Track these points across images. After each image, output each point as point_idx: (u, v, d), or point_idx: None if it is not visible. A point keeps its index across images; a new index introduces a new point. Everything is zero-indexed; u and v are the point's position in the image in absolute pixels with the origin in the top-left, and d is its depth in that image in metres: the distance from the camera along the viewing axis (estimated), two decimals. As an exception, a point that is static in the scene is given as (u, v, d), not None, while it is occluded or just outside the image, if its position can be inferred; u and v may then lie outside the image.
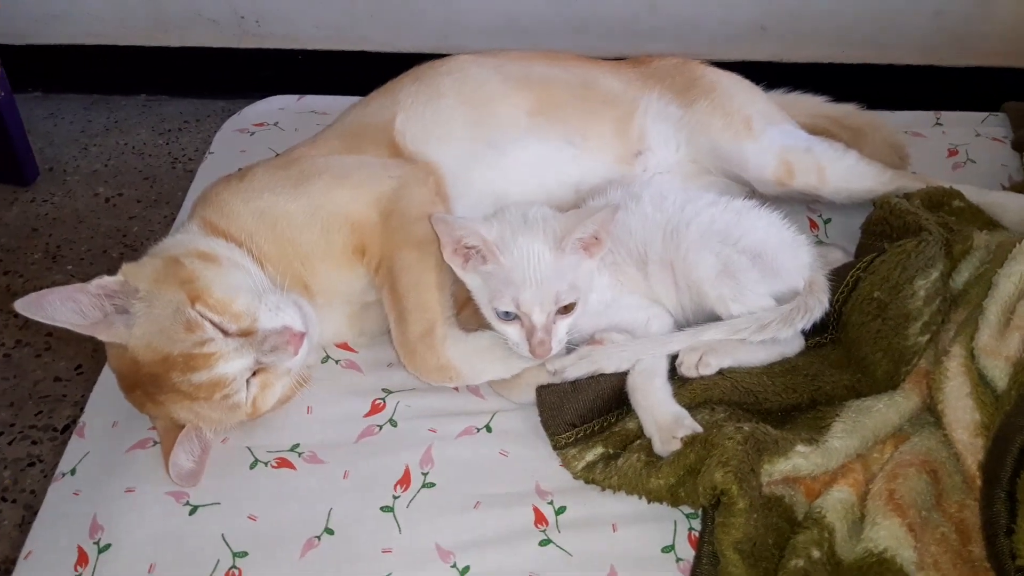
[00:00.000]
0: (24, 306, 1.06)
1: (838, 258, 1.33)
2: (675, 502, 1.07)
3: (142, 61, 2.81)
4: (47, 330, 2.17)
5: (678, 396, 1.14)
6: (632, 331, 1.22)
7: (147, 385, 1.12)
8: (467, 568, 1.05)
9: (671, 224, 1.23)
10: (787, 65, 2.61)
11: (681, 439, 1.08)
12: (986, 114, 1.70)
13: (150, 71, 2.85)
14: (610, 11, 2.56)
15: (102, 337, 1.12)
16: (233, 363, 1.10)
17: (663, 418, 1.11)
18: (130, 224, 2.48)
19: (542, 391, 1.18)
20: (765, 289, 1.18)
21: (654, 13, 2.55)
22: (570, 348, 1.21)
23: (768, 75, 1.59)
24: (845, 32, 2.55)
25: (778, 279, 1.20)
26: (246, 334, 1.12)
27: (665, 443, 1.09)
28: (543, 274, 1.15)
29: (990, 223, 1.34)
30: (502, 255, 1.15)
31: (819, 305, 1.17)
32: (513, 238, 1.17)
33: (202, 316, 1.10)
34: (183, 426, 1.13)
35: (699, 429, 1.09)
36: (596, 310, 1.22)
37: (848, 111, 1.59)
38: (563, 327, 1.17)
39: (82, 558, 1.08)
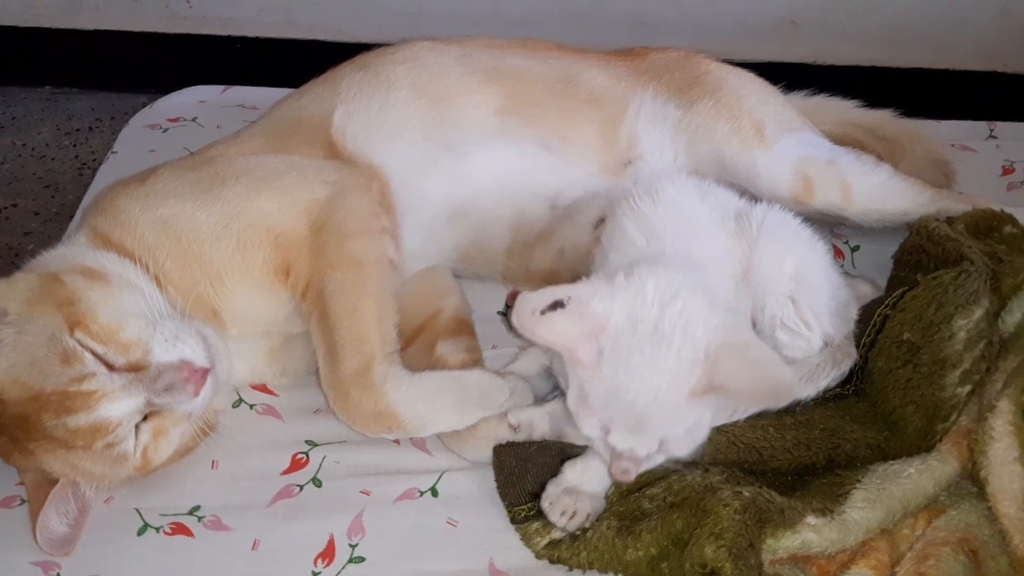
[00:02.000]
0: None
1: (866, 293, 1.33)
2: (656, 581, 1.06)
3: (47, 46, 2.82)
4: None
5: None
6: None
7: (13, 430, 1.10)
8: (402, 664, 1.04)
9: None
10: (822, 68, 2.63)
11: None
12: (1050, 125, 1.72)
13: (57, 58, 2.86)
14: (611, 2, 2.59)
15: (-42, 368, 1.10)
16: (119, 404, 1.09)
17: (588, 482, 1.11)
18: (25, 241, 2.47)
19: (500, 452, 1.17)
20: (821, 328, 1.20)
21: (663, 5, 2.58)
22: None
23: (800, 78, 1.61)
24: (893, 30, 2.58)
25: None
26: (136, 369, 1.11)
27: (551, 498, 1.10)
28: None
29: (1050, 254, 1.34)
30: None
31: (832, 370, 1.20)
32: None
33: (82, 345, 1.09)
34: (56, 481, 1.11)
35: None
36: None
37: (884, 119, 1.61)
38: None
39: (-74, 644, 1.07)
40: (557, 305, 1.04)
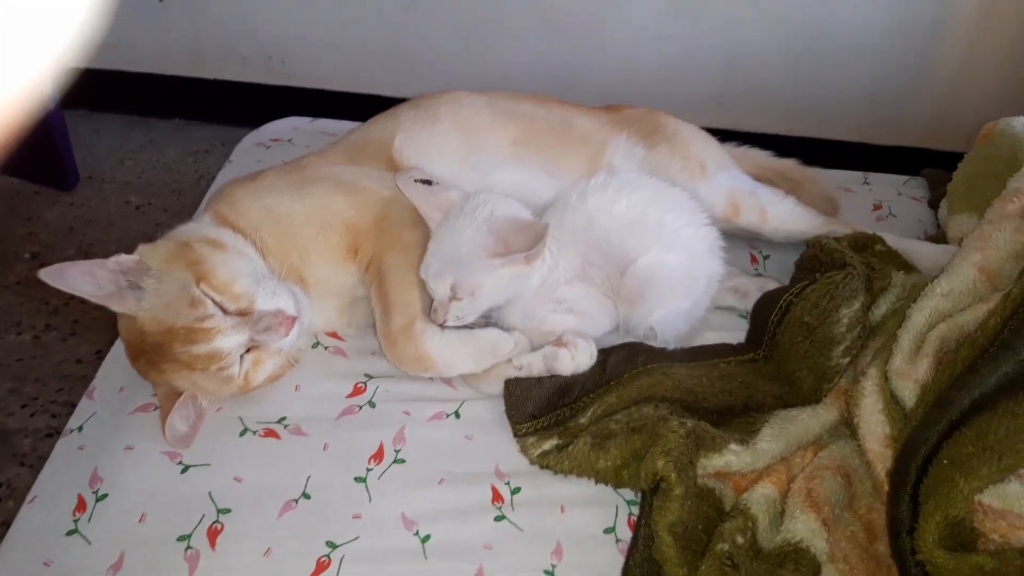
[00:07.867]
0: (47, 275, 1.02)
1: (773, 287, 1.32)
2: (619, 483, 1.05)
3: (179, 89, 2.79)
4: (74, 317, 2.12)
5: (625, 391, 1.12)
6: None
7: (151, 354, 1.08)
8: (428, 537, 1.01)
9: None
10: (740, 133, 2.58)
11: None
12: (907, 177, 1.70)
13: (185, 98, 2.83)
14: (592, 77, 2.57)
15: (114, 308, 1.08)
16: (229, 338, 1.07)
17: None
18: (156, 230, 2.37)
19: (510, 384, 1.15)
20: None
21: (630, 83, 2.57)
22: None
23: (724, 140, 1.58)
24: (791, 108, 2.57)
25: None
26: (243, 314, 1.09)
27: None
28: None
29: (906, 266, 1.33)
30: None
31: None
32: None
33: (205, 294, 1.07)
34: (181, 394, 1.09)
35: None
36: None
37: (790, 165, 1.59)
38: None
39: (81, 505, 1.04)
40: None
